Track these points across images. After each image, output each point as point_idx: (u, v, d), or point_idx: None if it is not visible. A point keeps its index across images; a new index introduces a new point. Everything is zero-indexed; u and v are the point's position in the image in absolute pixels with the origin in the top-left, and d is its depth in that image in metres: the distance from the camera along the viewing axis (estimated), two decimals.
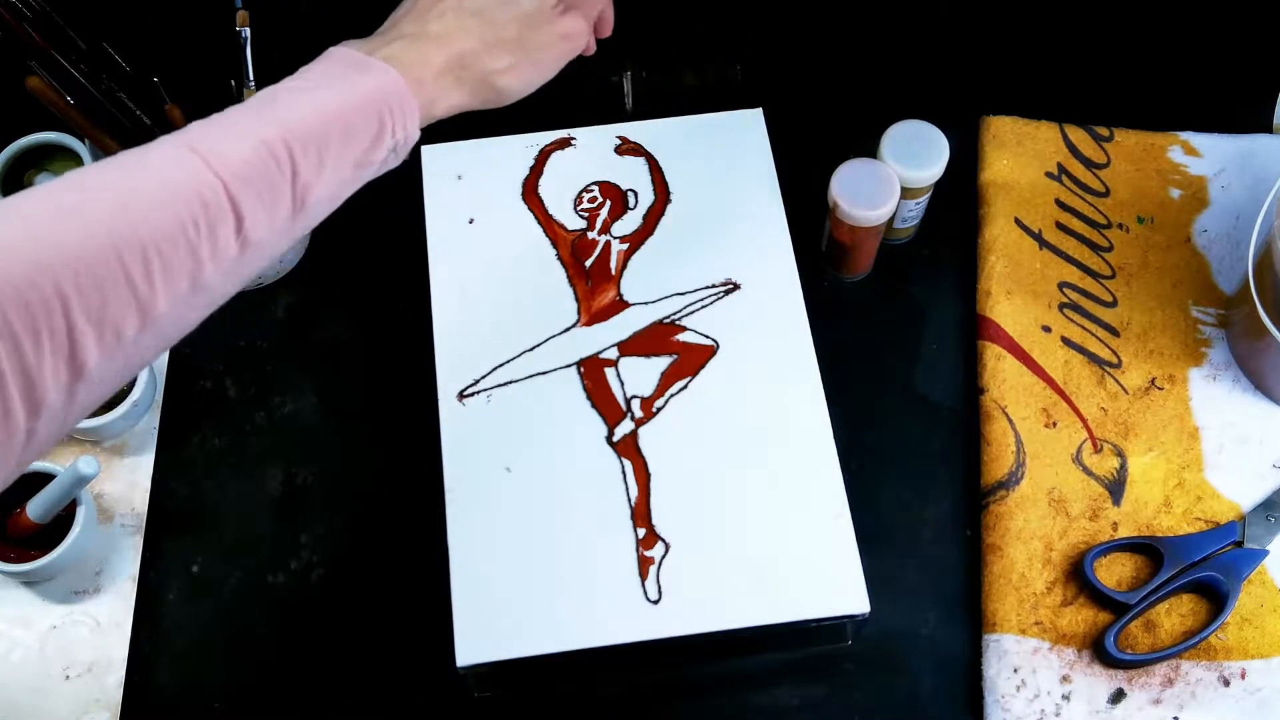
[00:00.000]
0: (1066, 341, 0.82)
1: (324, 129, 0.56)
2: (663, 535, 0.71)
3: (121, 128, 0.76)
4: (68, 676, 0.74)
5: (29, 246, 0.48)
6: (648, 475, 0.73)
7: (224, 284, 0.54)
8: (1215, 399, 0.80)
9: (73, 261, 0.48)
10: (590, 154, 0.85)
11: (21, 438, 0.47)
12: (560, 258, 0.81)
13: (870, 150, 0.81)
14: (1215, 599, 0.74)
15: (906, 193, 0.81)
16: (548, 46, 0.66)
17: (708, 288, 0.80)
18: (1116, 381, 0.81)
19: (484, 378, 0.76)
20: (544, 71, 0.67)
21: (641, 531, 0.72)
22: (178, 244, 0.51)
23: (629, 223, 0.82)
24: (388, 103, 0.59)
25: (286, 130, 0.55)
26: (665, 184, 0.83)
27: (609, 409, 0.75)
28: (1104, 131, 0.90)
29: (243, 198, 0.53)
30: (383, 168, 0.61)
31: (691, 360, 0.77)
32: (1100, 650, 0.72)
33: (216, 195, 0.52)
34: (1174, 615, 0.74)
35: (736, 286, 0.79)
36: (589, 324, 0.78)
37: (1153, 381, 0.81)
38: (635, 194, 0.83)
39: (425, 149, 0.84)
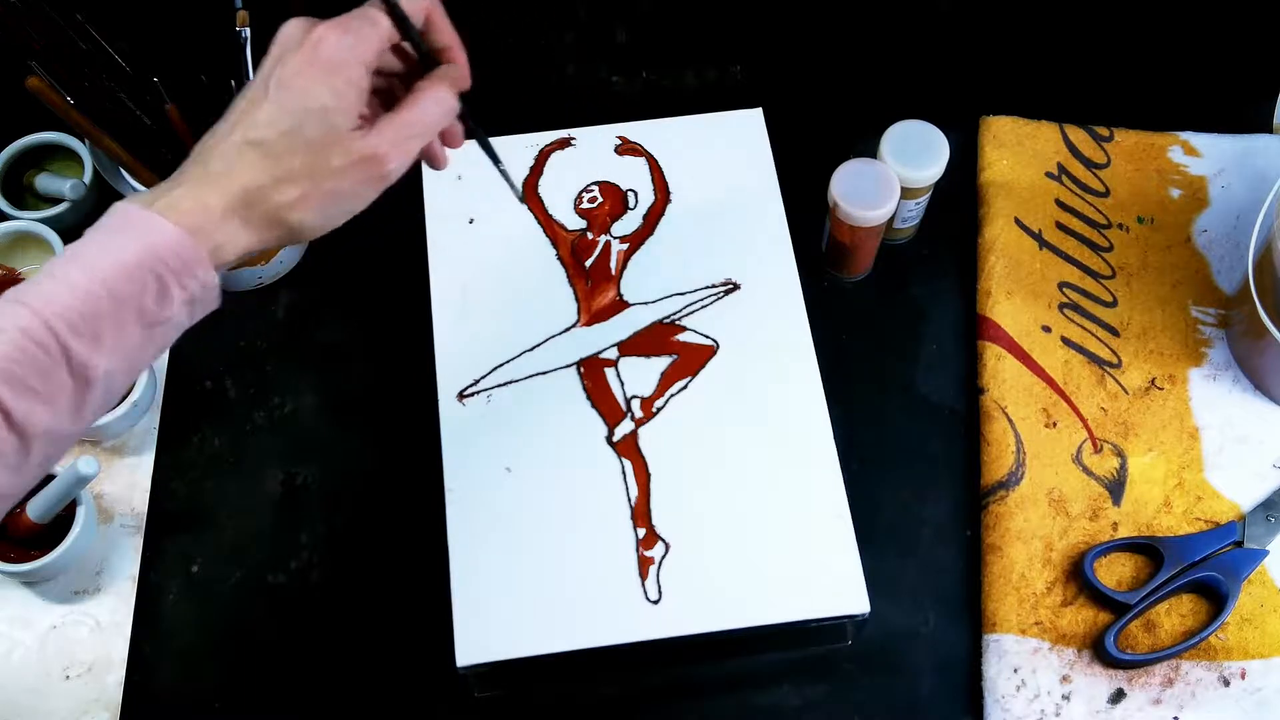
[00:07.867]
0: (1066, 341, 0.82)
1: (90, 303, 0.52)
2: (663, 535, 0.71)
3: (122, 127, 0.76)
4: (68, 676, 0.74)
5: None
6: (648, 475, 0.73)
7: (17, 481, 0.53)
8: (1215, 399, 0.80)
9: None
10: (590, 154, 0.85)
11: None
12: (560, 258, 0.81)
13: (870, 150, 0.81)
14: (1215, 599, 0.74)
15: (906, 193, 0.81)
16: (344, 173, 0.57)
17: (708, 288, 0.79)
18: (1116, 381, 0.81)
19: (484, 378, 0.76)
20: (346, 202, 0.58)
21: (641, 531, 0.72)
22: None
23: (629, 223, 0.82)
24: (163, 260, 0.53)
25: (51, 310, 0.52)
26: (665, 184, 0.83)
27: (609, 409, 0.75)
28: (1104, 131, 0.90)
29: (4, 394, 0.51)
30: (191, 319, 0.56)
31: (691, 360, 0.77)
32: (1100, 650, 0.72)
33: None
34: (1174, 615, 0.74)
35: (736, 286, 0.79)
36: (589, 324, 0.78)
37: (1153, 381, 0.81)
38: (635, 194, 0.83)
39: None
